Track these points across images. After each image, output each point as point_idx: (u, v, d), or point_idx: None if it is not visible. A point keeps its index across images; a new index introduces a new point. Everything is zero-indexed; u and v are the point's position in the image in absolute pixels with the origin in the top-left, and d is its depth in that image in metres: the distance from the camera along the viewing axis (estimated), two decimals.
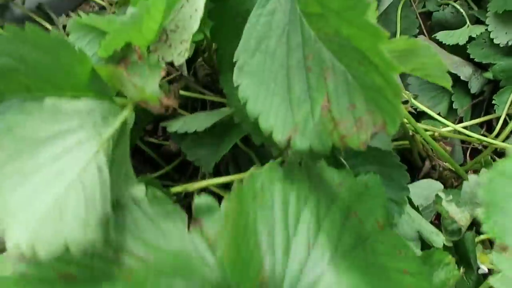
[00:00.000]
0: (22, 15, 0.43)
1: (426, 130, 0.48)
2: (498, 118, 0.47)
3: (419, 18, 0.57)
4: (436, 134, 0.46)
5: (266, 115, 0.26)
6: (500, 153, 0.45)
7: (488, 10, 0.51)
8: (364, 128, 0.23)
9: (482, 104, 0.52)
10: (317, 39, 0.24)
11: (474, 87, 0.51)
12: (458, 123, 0.52)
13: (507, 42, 0.49)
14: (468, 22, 0.53)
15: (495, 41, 0.50)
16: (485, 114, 0.51)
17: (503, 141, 0.44)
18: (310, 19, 0.24)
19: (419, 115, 0.52)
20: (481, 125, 0.51)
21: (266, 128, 0.25)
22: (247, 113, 0.26)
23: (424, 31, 0.57)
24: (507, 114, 0.46)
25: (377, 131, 0.23)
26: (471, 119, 0.50)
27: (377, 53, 0.21)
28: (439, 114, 0.52)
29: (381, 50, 0.21)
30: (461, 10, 0.55)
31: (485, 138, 0.43)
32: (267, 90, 0.26)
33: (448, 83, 0.28)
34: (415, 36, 0.56)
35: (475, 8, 0.55)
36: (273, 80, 0.26)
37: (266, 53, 0.26)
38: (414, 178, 0.46)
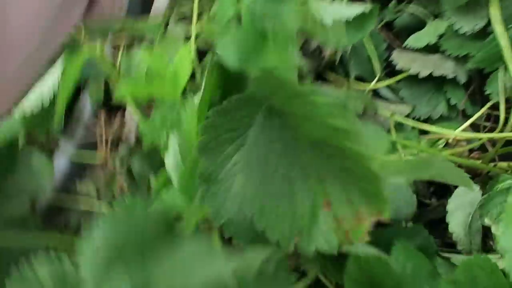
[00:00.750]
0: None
1: (437, 140, 0.51)
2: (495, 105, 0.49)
3: (382, 33, 0.59)
4: (450, 140, 0.49)
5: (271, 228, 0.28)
6: None
7: (443, 5, 0.53)
8: (364, 219, 0.26)
9: (475, 93, 0.54)
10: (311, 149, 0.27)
11: (462, 79, 0.53)
12: (462, 115, 0.54)
13: (473, 28, 0.51)
14: (430, 20, 0.56)
15: (461, 31, 0.52)
16: (482, 101, 0.53)
17: None
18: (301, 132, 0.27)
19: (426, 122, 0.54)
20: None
21: (272, 239, 0.28)
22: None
23: (392, 42, 0.59)
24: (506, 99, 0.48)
25: (375, 220, 0.26)
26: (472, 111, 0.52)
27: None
28: (441, 115, 0.55)
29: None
30: (419, 11, 0.57)
31: (501, 135, 0.45)
32: (271, 204, 0.28)
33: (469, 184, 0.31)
34: (385, 50, 0.58)
35: (430, 5, 0.58)
36: (277, 193, 0.28)
37: (267, 169, 0.29)
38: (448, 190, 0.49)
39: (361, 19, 0.47)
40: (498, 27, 0.45)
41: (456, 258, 0.43)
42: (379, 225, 0.42)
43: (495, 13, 0.46)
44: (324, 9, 0.46)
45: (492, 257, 0.41)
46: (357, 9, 0.46)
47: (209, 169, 0.30)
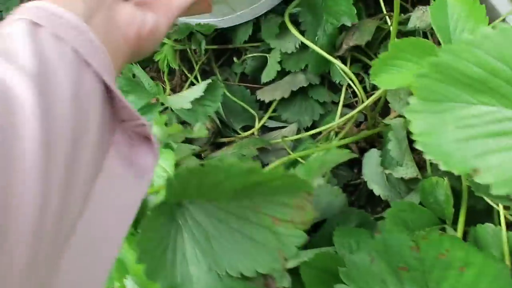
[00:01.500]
0: None
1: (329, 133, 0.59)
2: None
3: (242, 83, 0.69)
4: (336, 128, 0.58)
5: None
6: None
7: (265, 39, 0.64)
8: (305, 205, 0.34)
9: (331, 84, 0.65)
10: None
11: (316, 81, 0.63)
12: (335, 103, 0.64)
13: (295, 45, 0.61)
14: (268, 55, 0.66)
15: (289, 52, 0.62)
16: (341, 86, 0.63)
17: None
18: None
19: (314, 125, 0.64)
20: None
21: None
22: None
23: (252, 86, 0.69)
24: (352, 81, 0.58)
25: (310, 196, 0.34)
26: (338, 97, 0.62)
27: None
28: (320, 114, 0.64)
29: None
30: (257, 52, 0.67)
31: (362, 106, 0.54)
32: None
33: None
34: (251, 95, 0.67)
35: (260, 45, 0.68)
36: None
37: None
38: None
39: (211, 89, 0.56)
40: (307, 42, 0.56)
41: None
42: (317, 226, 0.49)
43: (296, 33, 0.57)
44: (180, 101, 0.55)
45: None
46: (203, 85, 0.56)
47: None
